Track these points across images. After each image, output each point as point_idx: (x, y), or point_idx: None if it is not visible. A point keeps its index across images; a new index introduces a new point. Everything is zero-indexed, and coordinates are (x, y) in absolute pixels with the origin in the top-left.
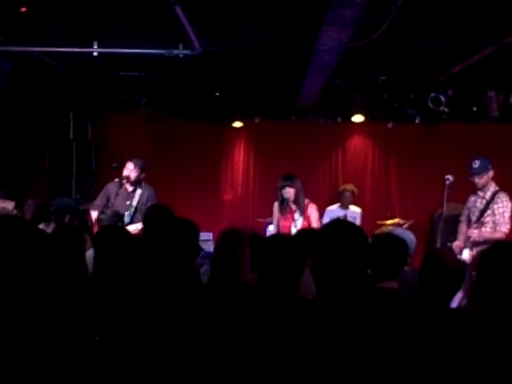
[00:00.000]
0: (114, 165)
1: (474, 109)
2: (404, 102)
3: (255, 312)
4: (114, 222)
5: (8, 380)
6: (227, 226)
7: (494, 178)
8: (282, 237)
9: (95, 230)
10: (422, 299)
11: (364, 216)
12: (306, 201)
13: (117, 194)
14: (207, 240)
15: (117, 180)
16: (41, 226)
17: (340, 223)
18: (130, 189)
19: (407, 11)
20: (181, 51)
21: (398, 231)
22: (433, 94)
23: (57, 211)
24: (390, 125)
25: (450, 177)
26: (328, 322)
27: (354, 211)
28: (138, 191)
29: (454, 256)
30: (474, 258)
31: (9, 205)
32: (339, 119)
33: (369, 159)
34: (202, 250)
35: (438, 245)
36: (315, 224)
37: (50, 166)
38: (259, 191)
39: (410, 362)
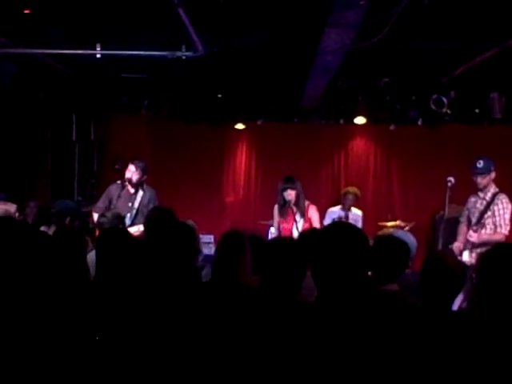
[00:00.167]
0: (117, 167)
1: (477, 111)
2: (406, 103)
3: (256, 314)
4: (115, 225)
5: (9, 380)
6: (229, 229)
7: (495, 180)
8: (283, 240)
9: (97, 231)
10: (423, 302)
11: (365, 218)
12: (307, 202)
13: (119, 196)
14: (208, 242)
15: (119, 182)
16: (42, 229)
17: (341, 225)
18: (132, 191)
19: (410, 13)
20: (183, 53)
21: (399, 233)
22: (435, 96)
23: (58, 213)
24: (392, 127)
25: (451, 179)
26: (329, 325)
27: (356, 213)
28: (140, 193)
29: (455, 258)
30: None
31: (11, 207)
32: (341, 121)
33: (371, 161)
34: (200, 252)
35: (440, 247)
36: (316, 226)
37: (52, 168)
38: (261, 193)
39: (412, 365)
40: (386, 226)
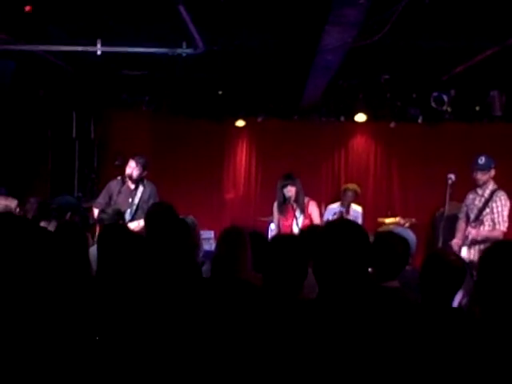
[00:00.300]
0: (117, 163)
1: (477, 108)
2: (407, 101)
3: (256, 310)
4: (116, 221)
5: (10, 379)
6: (229, 225)
7: (495, 177)
8: (286, 237)
9: (97, 227)
10: (423, 298)
11: (366, 215)
12: (307, 199)
13: (119, 192)
14: (209, 238)
15: (119, 178)
16: (42, 224)
17: (341, 222)
18: (132, 186)
19: (410, 11)
20: (184, 50)
21: (399, 230)
22: (435, 94)
23: (58, 209)
24: (392, 124)
25: (452, 176)
26: (330, 322)
27: (356, 210)
28: (140, 189)
29: (456, 255)
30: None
31: (11, 203)
32: (342, 118)
33: (371, 158)
34: (200, 247)
35: (440, 244)
36: (317, 221)
37: (53, 165)
38: (261, 190)
39: (414, 361)
40: (385, 223)
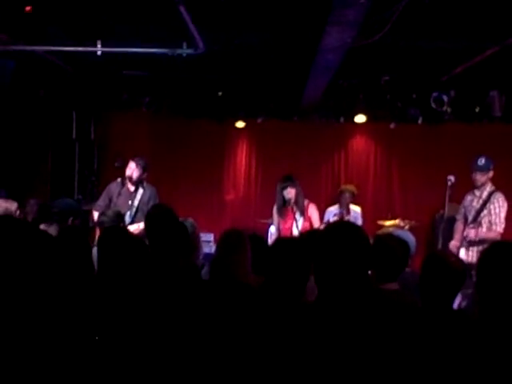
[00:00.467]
0: (117, 164)
1: (477, 109)
2: (406, 102)
3: (254, 312)
4: (116, 223)
5: (11, 379)
6: (229, 227)
7: (494, 177)
8: (288, 240)
9: (97, 230)
10: (423, 300)
11: (365, 217)
12: (306, 201)
13: (119, 194)
14: (208, 241)
15: (119, 180)
16: (42, 227)
17: (341, 224)
18: (132, 188)
19: (410, 11)
20: (184, 50)
21: (399, 232)
22: (435, 94)
23: (60, 213)
24: (392, 125)
25: (451, 177)
26: (330, 324)
27: (355, 211)
28: (140, 191)
29: (455, 256)
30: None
31: (12, 205)
32: (342, 119)
33: (371, 159)
34: (199, 250)
35: (440, 246)
36: (317, 224)
37: (53, 166)
38: (261, 192)
39: (414, 364)
40: (385, 225)
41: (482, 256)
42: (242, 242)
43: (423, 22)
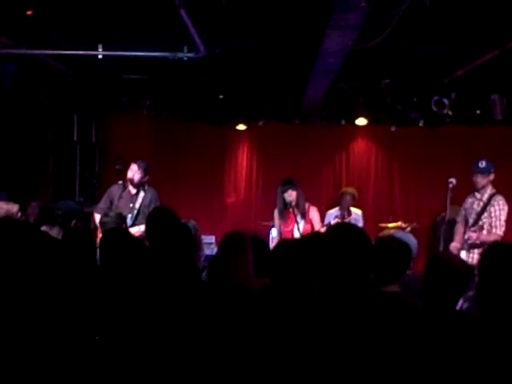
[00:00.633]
0: (118, 167)
1: (478, 112)
2: (407, 105)
3: (253, 315)
4: (118, 225)
5: (12, 378)
6: (230, 229)
7: (496, 180)
8: (291, 243)
9: (99, 232)
10: (426, 303)
11: (367, 219)
12: (307, 204)
13: (120, 197)
14: (210, 243)
15: (120, 182)
16: (43, 229)
17: (344, 227)
18: (134, 191)
19: (411, 15)
20: (185, 54)
21: (400, 235)
22: (436, 97)
23: (63, 215)
24: (393, 128)
25: (453, 180)
26: (332, 325)
27: (356, 213)
28: (141, 194)
29: (459, 259)
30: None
31: (13, 207)
32: (343, 122)
33: (372, 162)
34: (201, 251)
35: (441, 248)
36: (318, 227)
37: (54, 169)
38: (262, 194)
39: (417, 365)
40: (386, 228)
41: (483, 257)
42: (243, 244)
43: (424, 26)
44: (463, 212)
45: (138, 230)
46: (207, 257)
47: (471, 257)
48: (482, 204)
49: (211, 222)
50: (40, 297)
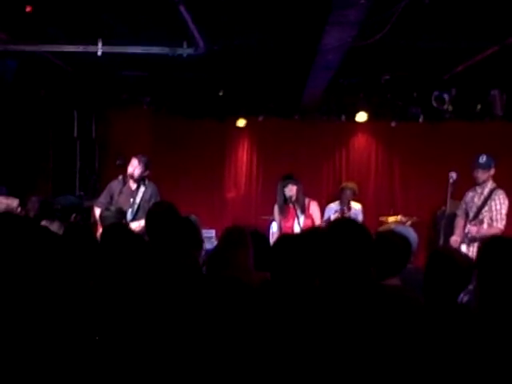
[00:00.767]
0: (118, 162)
1: (478, 107)
2: (408, 100)
3: (251, 309)
4: (119, 219)
5: (12, 378)
6: (230, 224)
7: (496, 176)
8: (292, 238)
9: (99, 226)
10: (427, 297)
11: (367, 214)
12: (307, 199)
13: (120, 192)
14: (210, 237)
15: (120, 177)
16: (43, 223)
17: (345, 222)
18: (134, 186)
19: (411, 11)
20: (184, 50)
21: (400, 228)
22: (436, 93)
23: (63, 209)
24: (393, 123)
25: (453, 174)
26: (333, 319)
27: (355, 208)
28: (142, 189)
29: (461, 253)
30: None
31: (13, 202)
32: (343, 118)
33: (372, 158)
34: (202, 246)
35: (441, 242)
36: (318, 221)
37: (54, 164)
38: (262, 189)
39: (417, 358)
40: (386, 221)
41: (482, 250)
42: (243, 238)
43: (423, 22)
44: (464, 206)
45: (138, 225)
46: (207, 251)
47: (471, 250)
48: (482, 198)
49: (211, 217)
50: (41, 291)
